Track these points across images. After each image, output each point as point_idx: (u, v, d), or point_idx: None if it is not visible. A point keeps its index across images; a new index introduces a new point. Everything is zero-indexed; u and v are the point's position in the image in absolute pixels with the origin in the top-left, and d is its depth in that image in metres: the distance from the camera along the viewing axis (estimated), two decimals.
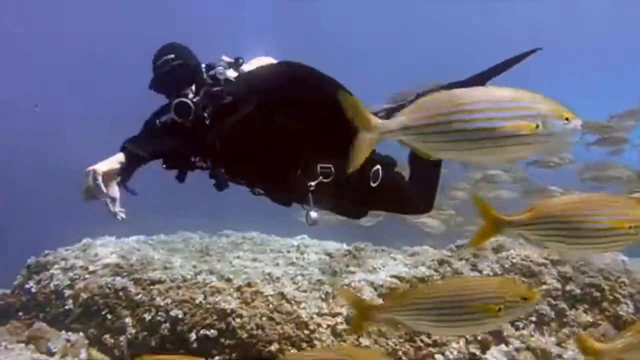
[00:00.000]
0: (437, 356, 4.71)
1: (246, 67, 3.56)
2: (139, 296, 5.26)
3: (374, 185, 3.70)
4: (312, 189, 3.53)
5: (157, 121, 3.37)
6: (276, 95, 3.42)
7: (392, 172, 3.88)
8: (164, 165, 3.54)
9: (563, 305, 4.94)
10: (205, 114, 3.29)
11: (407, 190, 3.99)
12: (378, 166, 3.71)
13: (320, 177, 3.52)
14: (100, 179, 2.96)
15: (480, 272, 5.28)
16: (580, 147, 7.62)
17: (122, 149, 3.17)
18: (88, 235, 6.42)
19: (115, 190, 3.36)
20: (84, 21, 22.19)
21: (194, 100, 3.30)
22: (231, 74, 3.48)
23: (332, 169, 3.53)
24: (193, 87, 3.37)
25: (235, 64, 3.51)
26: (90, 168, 2.98)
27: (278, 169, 3.52)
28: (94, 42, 22.53)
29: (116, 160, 3.08)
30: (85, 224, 6.70)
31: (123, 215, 3.28)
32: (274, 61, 3.72)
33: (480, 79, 3.95)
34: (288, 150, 3.49)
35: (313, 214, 3.59)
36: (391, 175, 3.85)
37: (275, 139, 3.44)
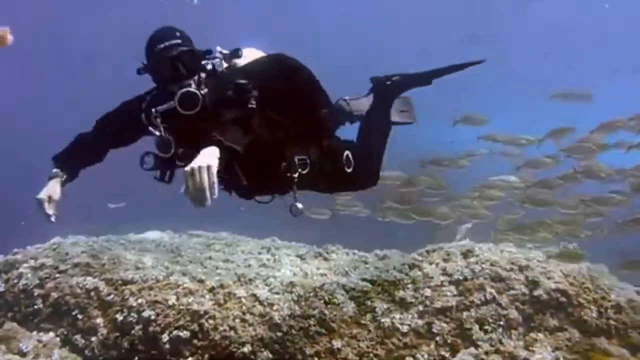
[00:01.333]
0: (407, 358, 4.78)
1: (239, 60, 3.57)
2: (111, 296, 5.24)
3: (348, 170, 3.89)
4: (295, 180, 3.58)
5: (154, 110, 3.28)
6: (272, 89, 3.43)
7: (356, 154, 4.01)
8: (146, 166, 3.52)
9: (530, 310, 5.06)
10: (254, 105, 3.24)
11: (366, 167, 4.16)
12: (347, 152, 3.89)
13: (299, 169, 3.58)
14: (215, 176, 2.78)
15: (451, 276, 5.37)
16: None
17: (216, 144, 2.96)
18: (57, 234, 6.34)
19: (57, 192, 3.36)
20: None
21: (202, 92, 3.26)
22: (223, 65, 3.49)
23: (308, 160, 3.60)
24: (196, 77, 3.32)
25: (231, 56, 3.52)
26: (202, 165, 2.77)
27: (268, 162, 3.54)
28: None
29: (214, 155, 2.88)
30: (53, 222, 6.62)
31: (54, 219, 3.27)
32: (263, 53, 3.75)
33: (432, 75, 4.56)
34: (278, 144, 3.53)
35: (299, 205, 3.65)
36: (356, 157, 3.99)
37: (269, 132, 3.45)
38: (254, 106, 3.28)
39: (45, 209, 3.33)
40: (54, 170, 3.53)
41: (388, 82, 4.63)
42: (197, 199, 2.75)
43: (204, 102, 3.25)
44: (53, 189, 3.43)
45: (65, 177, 3.54)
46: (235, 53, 3.55)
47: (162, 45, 3.30)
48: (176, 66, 3.28)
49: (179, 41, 3.34)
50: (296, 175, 3.59)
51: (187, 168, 2.76)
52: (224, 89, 3.31)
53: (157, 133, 3.44)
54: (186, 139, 3.36)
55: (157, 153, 3.51)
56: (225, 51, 3.55)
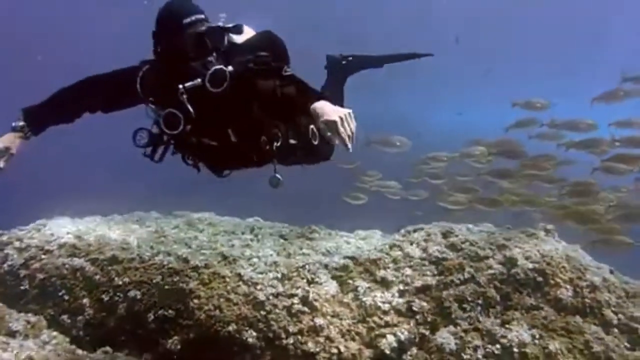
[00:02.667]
0: (388, 336, 4.89)
1: (237, 37, 3.60)
2: (97, 277, 5.29)
3: (315, 143, 4.01)
4: (274, 152, 3.71)
5: (181, 86, 3.27)
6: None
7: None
8: (140, 142, 3.54)
9: (508, 289, 5.18)
10: (289, 71, 3.36)
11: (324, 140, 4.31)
12: (312, 126, 3.97)
13: (275, 142, 3.66)
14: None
15: (431, 255, 5.48)
16: None
17: (325, 99, 3.11)
18: (41, 215, 6.34)
19: (16, 146, 3.33)
20: None
21: (229, 69, 3.29)
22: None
23: (279, 134, 3.67)
24: (215, 54, 3.34)
25: (232, 32, 3.50)
26: (346, 113, 2.92)
27: (251, 135, 3.63)
28: None
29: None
30: (38, 203, 6.63)
31: (2, 173, 3.22)
32: (253, 31, 3.79)
33: (385, 60, 5.01)
34: (265, 118, 3.63)
35: (278, 176, 3.74)
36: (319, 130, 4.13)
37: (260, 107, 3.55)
38: (291, 73, 3.38)
39: (0, 159, 3.26)
40: (21, 123, 3.44)
41: (344, 62, 4.94)
42: (347, 143, 2.88)
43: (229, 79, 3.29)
44: (13, 141, 3.36)
45: (29, 134, 3.46)
46: (238, 29, 3.52)
47: (188, 20, 3.28)
48: (203, 42, 3.28)
49: (204, 16, 3.35)
50: (274, 147, 3.68)
51: (335, 118, 2.87)
52: (244, 62, 3.36)
53: (153, 107, 3.48)
54: (204, 116, 3.41)
55: (151, 130, 3.54)
56: (228, 26, 3.55)
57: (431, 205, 9.24)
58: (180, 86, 3.29)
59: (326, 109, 2.97)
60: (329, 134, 2.92)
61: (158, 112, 3.51)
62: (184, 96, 3.31)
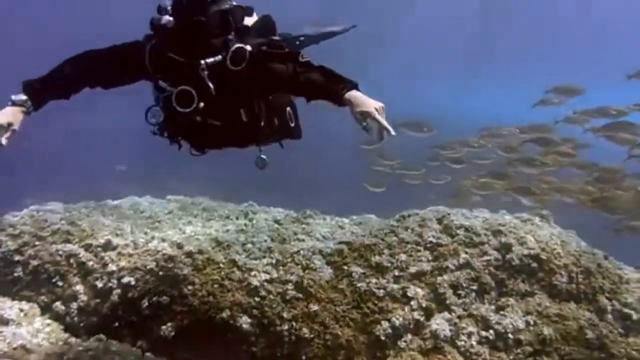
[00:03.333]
0: (383, 322, 4.89)
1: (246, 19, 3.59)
2: (91, 263, 5.27)
3: (292, 125, 4.13)
4: (259, 131, 3.77)
5: (202, 62, 3.26)
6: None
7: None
8: (153, 120, 3.51)
9: (503, 275, 5.18)
10: (307, 59, 3.42)
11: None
12: (288, 108, 4.11)
13: (259, 122, 3.71)
14: None
15: (426, 241, 5.47)
16: None
17: (356, 88, 3.23)
18: (34, 201, 6.30)
19: (19, 122, 3.21)
20: None
21: (248, 48, 3.33)
22: None
23: (262, 115, 3.71)
24: (233, 33, 3.35)
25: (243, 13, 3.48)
26: (381, 105, 3.12)
27: (244, 114, 3.64)
28: None
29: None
30: (30, 190, 6.58)
31: (4, 149, 3.12)
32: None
33: (322, 37, 5.28)
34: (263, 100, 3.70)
35: (264, 157, 3.82)
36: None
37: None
38: (309, 59, 3.43)
39: (1, 136, 3.13)
40: (23, 97, 3.29)
41: (297, 42, 5.04)
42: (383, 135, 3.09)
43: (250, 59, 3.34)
44: (15, 117, 3.21)
45: (30, 108, 3.32)
46: (250, 11, 3.54)
47: None
48: (227, 20, 3.27)
49: None
50: (261, 127, 3.70)
51: (371, 109, 3.07)
52: (259, 44, 3.43)
53: (162, 83, 3.44)
54: (220, 94, 3.39)
55: (161, 107, 3.50)
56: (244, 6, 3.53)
57: (447, 190, 9.26)
58: (202, 62, 3.26)
59: (362, 100, 3.13)
60: (364, 123, 3.10)
61: (167, 89, 3.44)
62: (205, 72, 3.28)
